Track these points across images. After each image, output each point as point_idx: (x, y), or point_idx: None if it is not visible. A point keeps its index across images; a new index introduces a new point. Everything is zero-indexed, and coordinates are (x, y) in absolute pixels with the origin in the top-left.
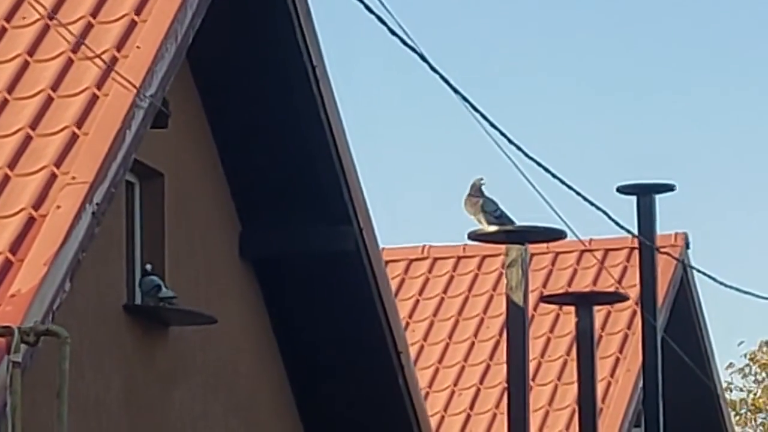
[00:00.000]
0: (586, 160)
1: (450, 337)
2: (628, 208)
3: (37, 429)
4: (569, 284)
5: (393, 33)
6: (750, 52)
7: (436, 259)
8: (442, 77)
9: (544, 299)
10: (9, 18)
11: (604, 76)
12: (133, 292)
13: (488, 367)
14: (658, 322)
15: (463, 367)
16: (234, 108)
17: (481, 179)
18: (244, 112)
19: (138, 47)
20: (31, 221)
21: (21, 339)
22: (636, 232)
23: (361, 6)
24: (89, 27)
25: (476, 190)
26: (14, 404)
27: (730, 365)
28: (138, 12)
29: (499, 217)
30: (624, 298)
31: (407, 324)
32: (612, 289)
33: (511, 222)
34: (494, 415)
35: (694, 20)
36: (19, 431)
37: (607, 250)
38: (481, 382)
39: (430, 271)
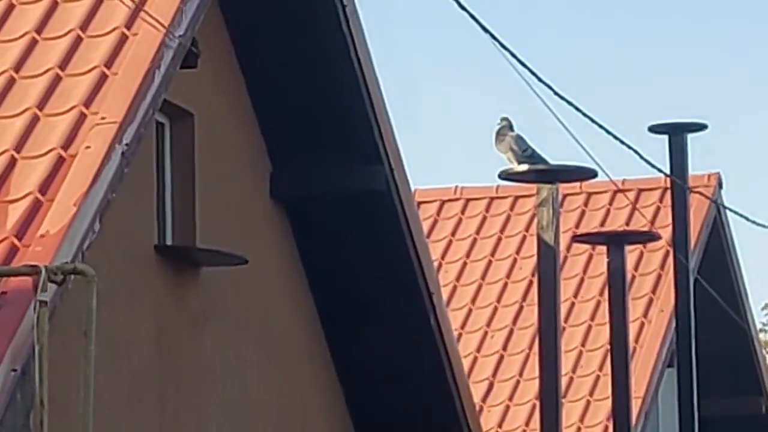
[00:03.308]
0: (618, 99)
1: (483, 278)
2: (660, 148)
3: (68, 369)
4: (602, 225)
5: None
6: None
7: (468, 200)
8: (471, 15)
9: (576, 238)
10: None
11: (636, 16)
12: (163, 232)
13: (521, 308)
14: (691, 263)
15: (495, 308)
16: (264, 47)
17: (506, 117)
18: (274, 51)
19: None
20: (60, 161)
21: (48, 278)
22: (668, 172)
23: None
24: None
25: (505, 128)
26: (42, 343)
27: (766, 306)
28: None
29: (530, 156)
30: (656, 237)
31: (440, 265)
32: (645, 230)
33: (542, 160)
34: (527, 356)
35: None
36: (46, 370)
37: (640, 191)
38: (514, 323)
39: (462, 211)
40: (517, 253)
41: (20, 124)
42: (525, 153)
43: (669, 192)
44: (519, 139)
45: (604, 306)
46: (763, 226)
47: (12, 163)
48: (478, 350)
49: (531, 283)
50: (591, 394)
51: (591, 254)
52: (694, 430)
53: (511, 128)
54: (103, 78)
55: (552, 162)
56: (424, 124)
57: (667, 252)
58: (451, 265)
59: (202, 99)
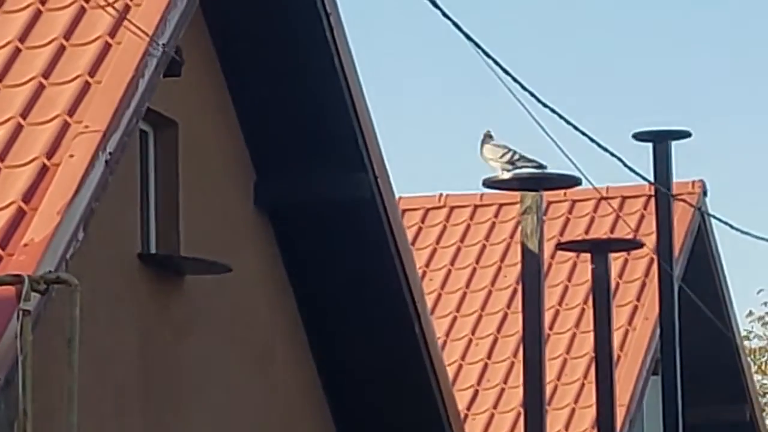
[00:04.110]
0: (602, 107)
1: (467, 285)
2: (644, 155)
3: (52, 378)
4: (586, 232)
5: None
6: None
7: (453, 208)
8: (454, 24)
9: (560, 246)
10: None
11: (620, 22)
12: (147, 240)
13: (506, 315)
14: (676, 271)
15: (480, 316)
16: (248, 56)
17: (488, 131)
18: (257, 59)
19: None
20: (44, 170)
21: (31, 287)
22: (652, 179)
23: None
24: None
25: (487, 139)
26: (25, 352)
27: (750, 313)
28: None
29: (510, 162)
30: (639, 244)
31: (424, 273)
32: (629, 238)
33: (529, 161)
34: (512, 364)
35: None
36: (30, 379)
37: (623, 198)
38: (499, 330)
39: (447, 219)
40: (502, 260)
41: (3, 133)
42: (502, 159)
43: (653, 199)
44: (497, 147)
45: (589, 314)
46: (747, 233)
47: None
48: (463, 358)
49: (515, 290)
50: (576, 401)
51: (575, 262)
52: None
53: (491, 137)
54: (86, 86)
55: (542, 162)
56: (408, 132)
57: (652, 260)
58: (435, 273)
59: (185, 107)
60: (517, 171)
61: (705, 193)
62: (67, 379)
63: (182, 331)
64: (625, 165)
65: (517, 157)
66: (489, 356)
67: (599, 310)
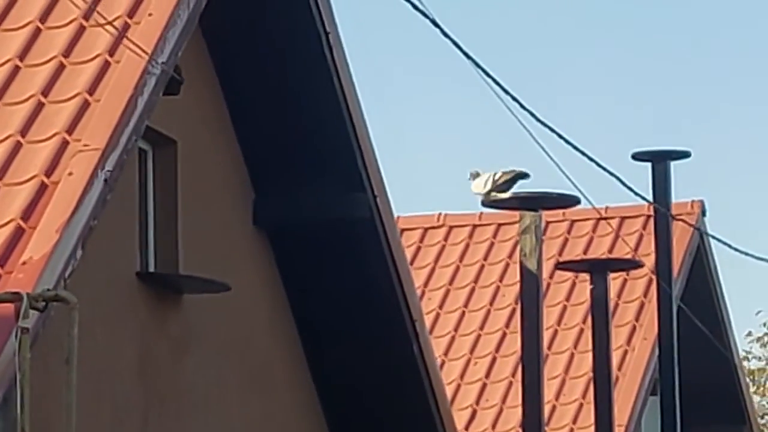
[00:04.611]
0: (601, 127)
1: (466, 305)
2: (643, 176)
3: (50, 396)
4: (585, 252)
5: None
6: (766, 14)
7: (451, 227)
8: (454, 42)
9: (559, 266)
10: None
11: (619, 43)
12: (146, 259)
13: (504, 335)
14: (674, 291)
15: (479, 336)
16: (247, 75)
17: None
18: (257, 78)
19: (150, 14)
20: (42, 188)
21: (30, 305)
22: (651, 199)
23: None
24: None
25: (473, 176)
26: (23, 370)
27: (749, 334)
28: None
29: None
30: (638, 264)
31: (423, 292)
32: (628, 258)
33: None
34: (510, 384)
35: None
36: (28, 397)
37: (622, 218)
38: (497, 350)
39: (445, 239)
40: (500, 280)
41: (3, 151)
42: (487, 186)
43: (652, 219)
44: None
45: (587, 334)
46: (746, 253)
47: None
48: (461, 377)
49: (514, 310)
50: (574, 422)
51: (574, 282)
52: None
53: (478, 175)
54: (85, 105)
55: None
56: (407, 152)
57: (650, 280)
58: (434, 293)
59: (185, 126)
60: (516, 190)
61: (704, 213)
62: (65, 397)
63: (180, 349)
64: (624, 185)
65: (498, 175)
66: (488, 376)
67: (598, 330)
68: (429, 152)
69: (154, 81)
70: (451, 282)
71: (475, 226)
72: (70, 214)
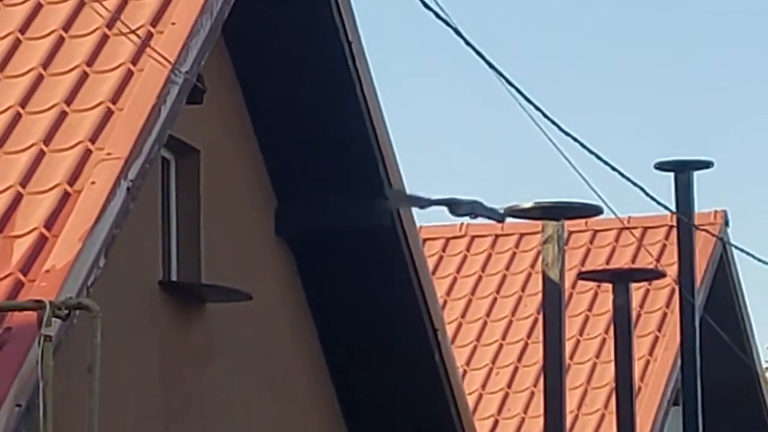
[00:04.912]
0: (624, 136)
1: (488, 315)
2: (666, 185)
3: (73, 404)
4: (607, 262)
5: (427, 6)
6: None
7: (473, 237)
8: (476, 51)
9: (582, 276)
10: None
11: (642, 52)
12: (168, 268)
13: (526, 345)
14: (697, 301)
15: (501, 346)
16: (270, 83)
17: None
18: (279, 87)
19: (173, 23)
20: (65, 197)
21: (53, 313)
22: (674, 209)
23: None
24: (124, 3)
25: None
26: (46, 378)
27: None
28: None
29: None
30: (661, 274)
31: (445, 302)
32: (651, 268)
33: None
34: (532, 394)
35: None
36: (51, 405)
37: (645, 228)
38: (519, 360)
39: (467, 249)
40: (523, 290)
41: (26, 160)
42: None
43: (675, 229)
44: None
45: (610, 344)
46: None
47: (18, 198)
48: (483, 387)
49: (536, 320)
50: None
51: (596, 291)
52: None
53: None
54: (108, 113)
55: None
56: (429, 161)
57: (673, 290)
58: (456, 302)
59: (207, 135)
60: (539, 199)
61: (727, 223)
62: (87, 404)
63: (202, 358)
64: (647, 194)
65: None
66: (509, 386)
67: (620, 340)
68: (451, 160)
69: (177, 90)
70: (473, 292)
71: (497, 236)
72: (93, 223)
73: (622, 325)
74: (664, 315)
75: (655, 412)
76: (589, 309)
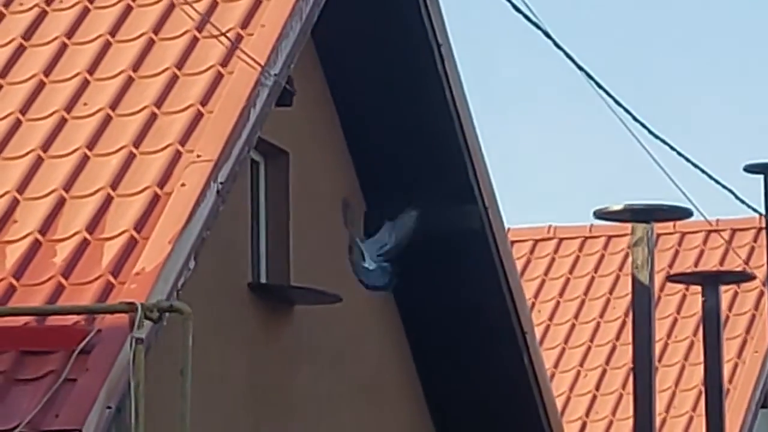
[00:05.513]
0: (713, 138)
1: (576, 317)
2: (755, 188)
3: (162, 406)
4: (696, 265)
5: (517, 10)
6: None
7: (561, 239)
8: (566, 54)
9: (671, 278)
10: None
11: (733, 54)
12: (257, 270)
13: (614, 347)
14: None
15: (589, 348)
16: (358, 86)
17: None
18: (368, 90)
19: (263, 25)
20: (155, 199)
21: (144, 315)
22: (763, 211)
23: None
24: (214, 5)
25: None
26: (137, 380)
27: None
28: None
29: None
30: (751, 276)
31: (533, 304)
32: (739, 270)
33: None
34: (620, 396)
35: None
36: (142, 407)
37: (734, 231)
38: (607, 362)
39: (555, 251)
40: (611, 292)
41: (116, 162)
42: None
43: (764, 232)
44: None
45: (698, 346)
46: None
47: (108, 200)
48: (572, 390)
49: (624, 322)
50: None
51: (685, 294)
52: None
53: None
54: (198, 116)
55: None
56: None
57: (762, 292)
58: (544, 305)
59: (296, 137)
60: (629, 202)
61: None
62: (180, 407)
63: (291, 360)
64: (736, 197)
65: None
66: (597, 388)
67: (709, 342)
68: (540, 163)
69: (266, 92)
70: (561, 294)
71: (585, 238)
72: (183, 225)
73: (711, 327)
74: (753, 317)
75: (743, 414)
76: (678, 311)
